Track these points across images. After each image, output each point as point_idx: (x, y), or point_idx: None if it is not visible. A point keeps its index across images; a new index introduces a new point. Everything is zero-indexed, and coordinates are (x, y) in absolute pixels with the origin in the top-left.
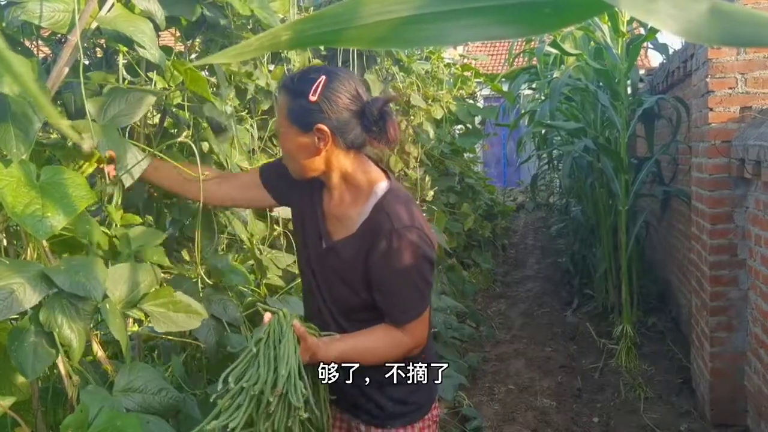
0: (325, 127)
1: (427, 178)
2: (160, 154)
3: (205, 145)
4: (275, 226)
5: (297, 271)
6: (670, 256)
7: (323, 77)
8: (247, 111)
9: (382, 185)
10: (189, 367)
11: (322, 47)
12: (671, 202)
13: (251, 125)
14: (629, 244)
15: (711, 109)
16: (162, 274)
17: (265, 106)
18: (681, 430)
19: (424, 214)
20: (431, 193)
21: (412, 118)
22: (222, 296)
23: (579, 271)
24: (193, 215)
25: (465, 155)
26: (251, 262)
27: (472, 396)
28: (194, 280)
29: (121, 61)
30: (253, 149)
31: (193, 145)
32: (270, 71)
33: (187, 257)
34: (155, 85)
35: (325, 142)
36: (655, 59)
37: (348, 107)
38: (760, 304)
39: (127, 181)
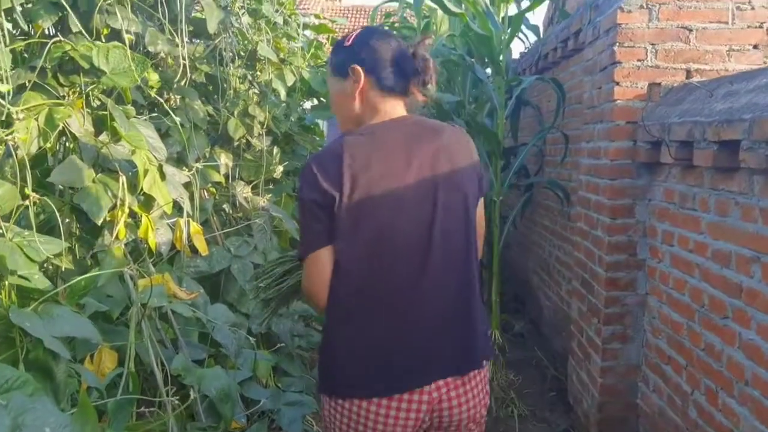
0: (357, 66)
1: (275, 150)
2: None
3: None
4: (26, 191)
5: (73, 267)
6: (531, 253)
7: (359, 30)
8: None
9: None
10: None
11: None
12: (534, 197)
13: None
14: (501, 240)
15: (617, 83)
16: None
17: (48, 22)
18: None
19: (269, 196)
20: (280, 168)
21: (258, 73)
22: None
23: None
24: None
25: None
26: None
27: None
28: None
29: None
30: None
31: None
32: None
33: None
34: None
35: (358, 80)
36: (514, 49)
37: (379, 48)
38: (666, 313)
39: None
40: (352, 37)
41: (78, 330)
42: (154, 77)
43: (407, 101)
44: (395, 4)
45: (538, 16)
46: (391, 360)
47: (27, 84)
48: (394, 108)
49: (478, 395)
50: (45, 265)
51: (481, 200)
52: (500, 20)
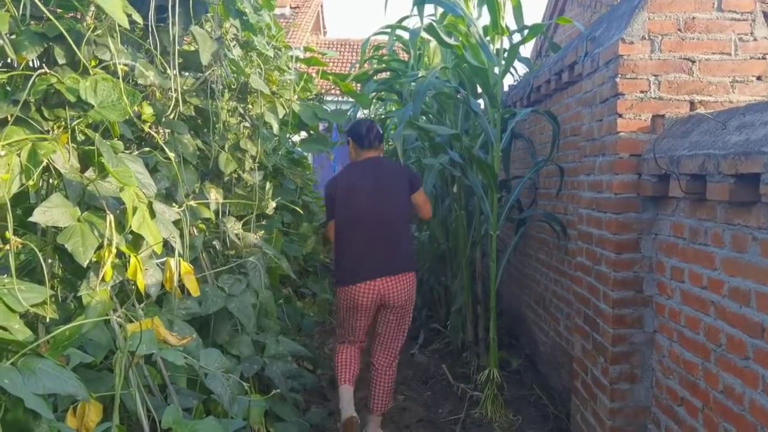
0: (350, 138)
1: (268, 185)
2: None
3: None
4: (6, 235)
5: (56, 317)
6: (525, 287)
7: (352, 121)
8: None
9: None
10: None
11: None
12: (528, 230)
13: None
14: (498, 275)
15: (620, 115)
16: None
17: (32, 53)
18: None
19: (262, 232)
20: (273, 204)
21: (250, 106)
22: None
23: (426, 303)
24: None
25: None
26: None
27: None
28: None
29: None
30: None
31: None
32: None
33: None
34: None
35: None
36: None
37: (358, 129)
38: (677, 352)
39: None
40: (348, 125)
41: (62, 386)
42: (148, 110)
43: (374, 150)
44: (385, 37)
45: (526, 48)
46: (356, 267)
47: (9, 118)
48: (366, 155)
49: (403, 289)
50: (26, 311)
51: (420, 189)
52: (494, 52)
